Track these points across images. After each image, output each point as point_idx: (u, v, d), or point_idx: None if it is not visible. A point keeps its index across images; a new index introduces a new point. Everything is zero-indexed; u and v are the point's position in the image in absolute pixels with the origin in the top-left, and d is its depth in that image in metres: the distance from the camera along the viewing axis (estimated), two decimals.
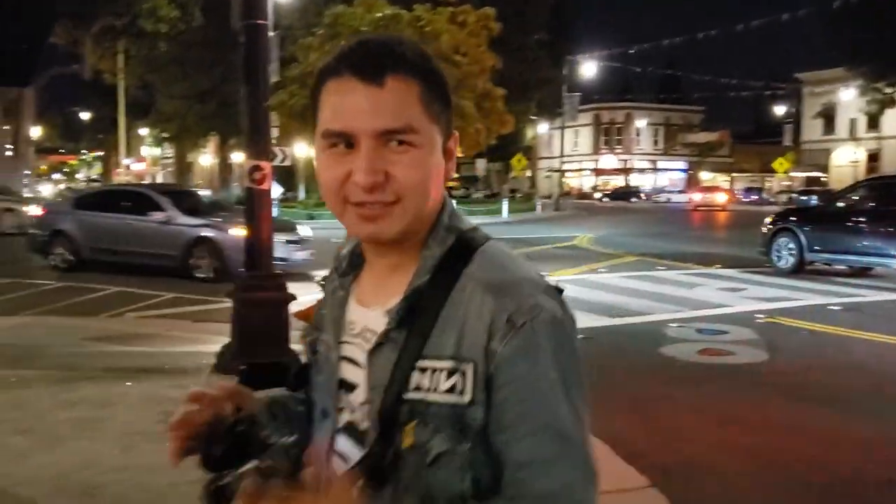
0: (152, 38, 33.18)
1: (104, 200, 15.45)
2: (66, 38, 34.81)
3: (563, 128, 53.73)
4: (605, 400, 6.63)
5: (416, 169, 1.11)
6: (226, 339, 6.98)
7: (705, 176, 76.00)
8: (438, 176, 1.16)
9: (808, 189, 51.75)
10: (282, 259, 12.21)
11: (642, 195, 71.33)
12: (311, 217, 26.59)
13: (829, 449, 5.65)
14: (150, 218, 14.07)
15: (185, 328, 9.29)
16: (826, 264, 15.08)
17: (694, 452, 5.51)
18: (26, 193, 30.70)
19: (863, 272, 14.86)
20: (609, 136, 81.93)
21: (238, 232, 10.45)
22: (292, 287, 7.05)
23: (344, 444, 1.20)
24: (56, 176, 78.96)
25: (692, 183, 71.87)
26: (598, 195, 72.66)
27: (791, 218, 15.76)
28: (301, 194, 40.72)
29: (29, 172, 41.03)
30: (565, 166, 62.53)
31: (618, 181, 78.93)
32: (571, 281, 13.67)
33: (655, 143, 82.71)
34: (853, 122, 60.62)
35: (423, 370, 1.10)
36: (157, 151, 64.93)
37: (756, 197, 64.12)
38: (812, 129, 65.75)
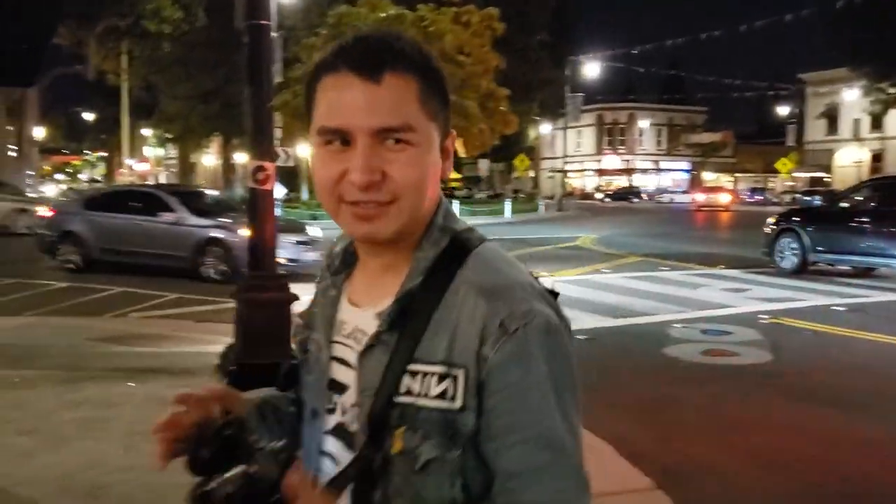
0: (156, 38, 33.22)
1: (114, 201, 15.37)
2: (70, 38, 34.84)
3: (565, 128, 53.75)
4: (610, 401, 6.62)
5: (413, 168, 1.09)
6: (230, 340, 6.98)
7: (708, 176, 75.97)
8: (435, 175, 1.14)
9: (812, 189, 51.70)
10: (292, 260, 12.20)
11: (643, 195, 71.35)
12: (315, 217, 26.54)
13: (834, 450, 5.64)
14: (160, 219, 14.02)
15: (188, 328, 9.29)
16: (829, 265, 15.06)
17: (698, 453, 5.50)
18: (30, 194, 30.70)
19: (866, 273, 14.83)
20: (612, 136, 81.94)
21: (248, 233, 10.44)
22: (299, 288, 7.04)
23: (333, 445, 1.19)
24: (59, 176, 79.01)
25: (695, 183, 71.83)
26: (599, 195, 72.67)
27: (794, 218, 15.74)
28: (304, 195, 40.73)
29: (33, 173, 41.04)
30: (568, 167, 62.44)
31: (621, 181, 78.91)
32: (575, 281, 13.67)
33: (658, 143, 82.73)
34: (857, 123, 60.56)
35: (414, 374, 1.08)
36: (160, 152, 64.98)
37: (761, 197, 64.09)
38: (815, 130, 65.68)
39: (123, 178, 43.43)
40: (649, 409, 6.57)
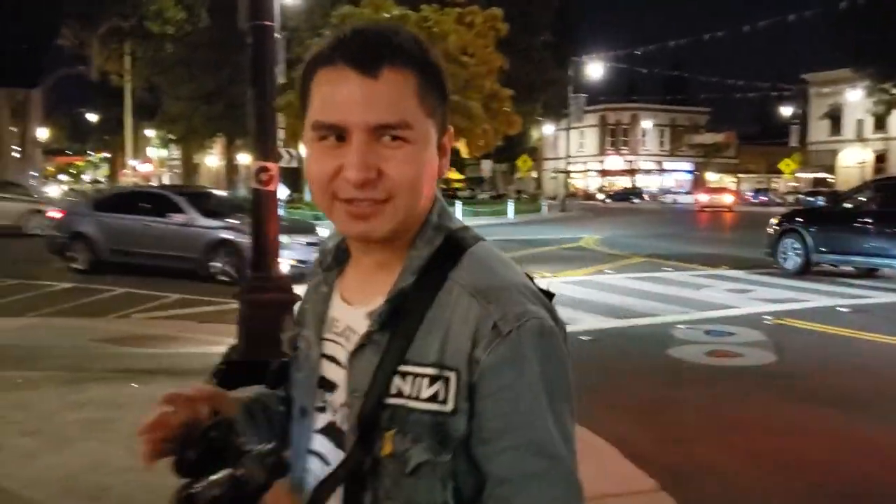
0: (159, 39, 33.24)
1: (124, 202, 15.30)
2: (73, 39, 34.86)
3: (568, 129, 53.71)
4: (613, 402, 6.62)
5: (409, 166, 1.07)
6: (233, 341, 6.98)
7: (711, 177, 75.92)
8: (432, 173, 1.12)
9: (815, 190, 51.69)
10: (301, 261, 12.19)
11: (644, 196, 71.35)
12: (317, 218, 26.53)
13: (839, 452, 5.62)
14: (170, 220, 13.97)
15: (192, 329, 9.29)
16: (832, 265, 15.04)
17: (702, 455, 5.49)
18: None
19: (869, 273, 14.80)
20: (615, 136, 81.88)
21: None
22: (305, 289, 7.05)
23: (323, 444, 1.17)
24: (62, 177, 79.13)
25: (698, 184, 71.80)
26: (599, 196, 72.68)
27: (797, 219, 15.72)
28: (307, 196, 40.74)
29: (36, 174, 41.07)
30: (571, 167, 62.46)
31: (624, 182, 78.89)
32: (578, 282, 13.66)
33: (661, 144, 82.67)
34: (860, 123, 60.51)
35: (405, 375, 1.06)
36: (163, 153, 65.06)
37: (766, 198, 64.07)
38: (819, 130, 65.63)
39: (127, 178, 43.50)
40: (653, 410, 6.55)
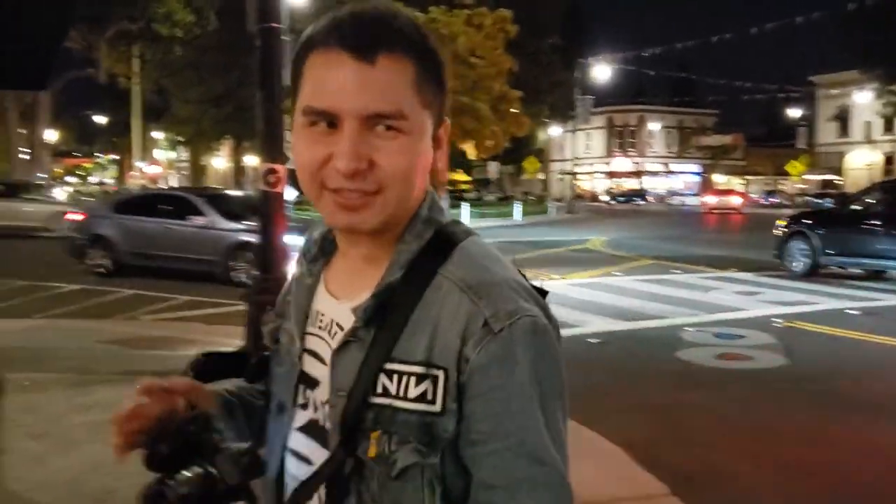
0: (167, 42, 33.31)
1: (144, 204, 15.21)
2: (82, 42, 34.98)
3: (575, 130, 53.74)
4: (623, 405, 6.59)
5: (402, 158, 1.02)
6: (241, 343, 6.97)
7: (719, 179, 75.83)
8: (425, 166, 1.07)
9: (823, 192, 51.55)
10: None
11: (648, 198, 71.29)
12: None
13: (851, 455, 5.58)
14: (191, 223, 13.88)
15: (200, 331, 9.28)
16: (840, 268, 14.97)
17: (714, 459, 5.45)
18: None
19: (877, 275, 14.73)
20: (622, 138, 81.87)
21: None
22: None
23: (303, 443, 1.12)
24: (70, 179, 79.46)
25: (706, 186, 71.71)
26: (603, 198, 72.61)
27: (804, 221, 15.66)
28: None
29: (45, 176, 41.22)
30: (578, 169, 62.49)
31: (631, 184, 78.85)
32: (586, 284, 13.63)
33: (669, 145, 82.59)
34: (868, 125, 60.36)
35: (391, 374, 1.01)
36: (171, 155, 65.29)
37: (776, 200, 63.97)
38: (826, 132, 65.49)
39: (134, 180, 43.59)
40: (663, 413, 6.51)
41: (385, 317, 1.04)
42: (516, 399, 0.99)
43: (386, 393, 1.01)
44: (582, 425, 5.27)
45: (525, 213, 38.96)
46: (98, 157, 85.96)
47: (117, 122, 53.60)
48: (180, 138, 50.95)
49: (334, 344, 1.09)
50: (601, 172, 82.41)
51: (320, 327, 1.13)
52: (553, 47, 46.65)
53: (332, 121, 1.02)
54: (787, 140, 71.33)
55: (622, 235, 27.17)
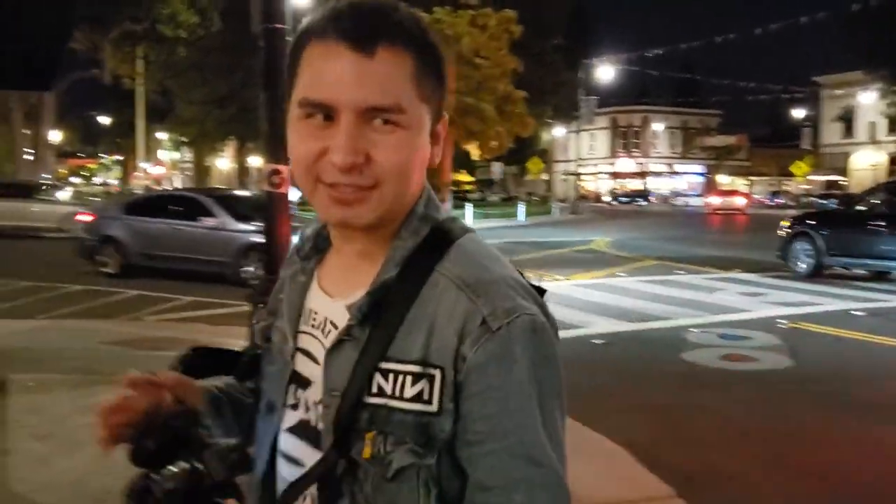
0: (171, 43, 33.41)
1: (154, 205, 15.22)
2: (86, 43, 35.10)
3: (579, 131, 53.68)
4: (627, 406, 6.58)
5: (399, 152, 1.00)
6: (245, 343, 6.97)
7: (723, 179, 75.75)
8: (423, 161, 1.05)
9: (828, 193, 51.46)
10: None
11: (651, 198, 71.22)
12: None
13: (856, 456, 5.57)
14: (201, 224, 13.83)
15: (204, 332, 9.28)
16: (844, 268, 14.94)
17: (718, 460, 5.43)
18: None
19: (881, 276, 14.69)
20: (626, 139, 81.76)
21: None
22: None
23: (294, 444, 1.10)
24: (75, 180, 79.58)
25: (710, 187, 71.63)
26: (606, 198, 72.53)
27: (808, 222, 15.61)
28: None
29: (49, 176, 41.31)
30: (581, 170, 62.40)
31: (635, 185, 78.78)
32: (590, 285, 13.62)
33: (672, 146, 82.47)
34: (873, 126, 60.23)
35: (386, 373, 1.00)
36: (175, 155, 65.35)
37: (781, 200, 63.90)
38: (831, 133, 65.36)
39: (138, 181, 43.64)
40: (667, 414, 6.50)
41: (380, 315, 1.02)
42: (514, 398, 0.97)
43: (381, 393, 1.00)
44: (585, 426, 5.27)
45: (528, 214, 38.93)
46: (102, 157, 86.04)
47: (121, 122, 53.63)
48: (184, 139, 50.98)
49: (328, 343, 1.07)
50: (605, 173, 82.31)
51: (313, 326, 1.11)
52: (557, 48, 46.61)
53: (328, 113, 1.00)
54: (791, 141, 71.23)
55: (626, 236, 27.14)
